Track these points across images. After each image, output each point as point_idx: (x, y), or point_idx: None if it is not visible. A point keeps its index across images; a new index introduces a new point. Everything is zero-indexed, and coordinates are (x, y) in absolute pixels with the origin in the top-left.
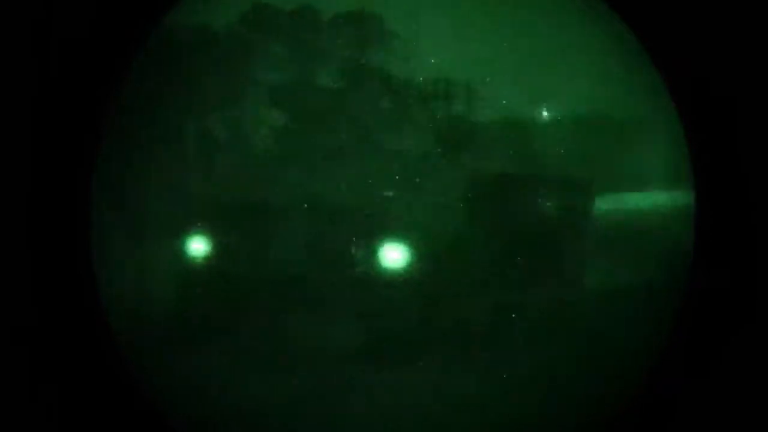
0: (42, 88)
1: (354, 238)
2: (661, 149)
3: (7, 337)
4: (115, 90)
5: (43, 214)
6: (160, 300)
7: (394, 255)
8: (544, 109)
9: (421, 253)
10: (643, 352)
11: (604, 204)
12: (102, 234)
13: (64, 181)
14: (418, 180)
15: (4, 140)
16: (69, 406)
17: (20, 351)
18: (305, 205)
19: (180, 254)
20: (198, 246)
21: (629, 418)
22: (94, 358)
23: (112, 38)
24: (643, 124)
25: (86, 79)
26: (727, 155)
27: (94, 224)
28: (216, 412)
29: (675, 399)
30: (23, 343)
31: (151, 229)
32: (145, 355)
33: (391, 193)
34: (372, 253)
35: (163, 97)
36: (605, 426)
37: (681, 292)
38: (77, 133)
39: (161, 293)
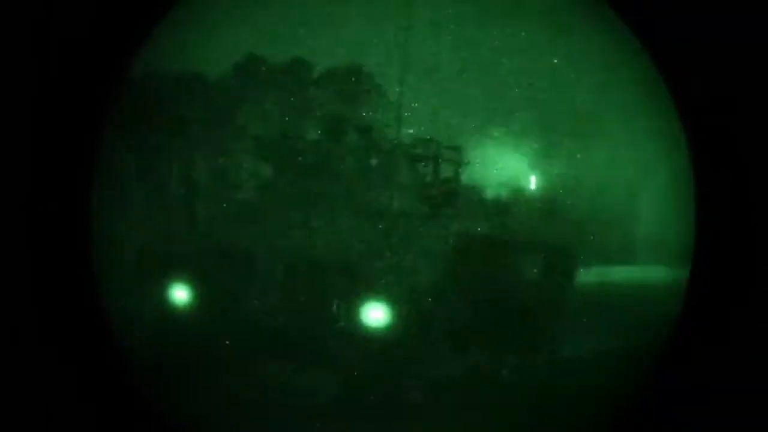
0: (42, 89)
1: (333, 294)
2: (658, 225)
3: (7, 337)
4: (116, 90)
5: (42, 214)
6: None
7: (372, 313)
8: (535, 176)
9: (400, 313)
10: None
11: (589, 275)
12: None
13: (63, 182)
14: (400, 240)
15: (4, 140)
16: (68, 405)
17: (20, 350)
18: (285, 258)
19: (160, 295)
20: (177, 293)
21: None
22: (93, 360)
23: (112, 38)
24: (642, 200)
25: (87, 78)
26: (730, 164)
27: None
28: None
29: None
30: (23, 343)
31: (136, 263)
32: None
33: (372, 252)
34: (350, 309)
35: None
36: None
37: (661, 356)
38: (77, 134)
39: (143, 336)
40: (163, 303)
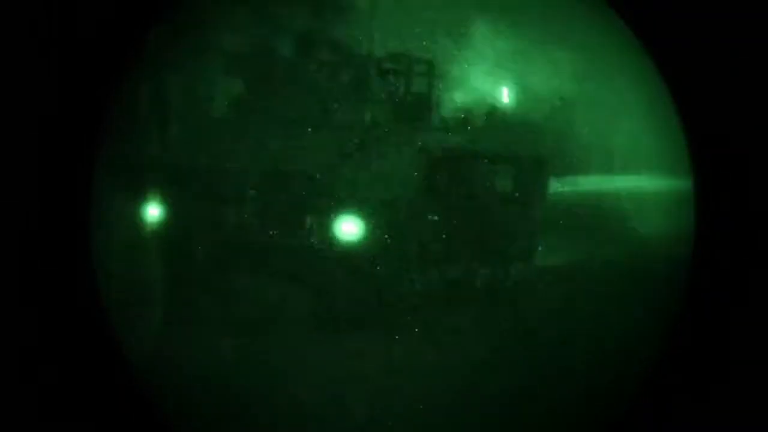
0: (41, 88)
1: (307, 208)
2: (625, 130)
3: (6, 335)
4: (116, 87)
5: (43, 208)
6: (119, 265)
7: (346, 225)
8: (506, 86)
9: (374, 225)
10: (599, 336)
11: (559, 184)
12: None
13: (63, 180)
14: (373, 152)
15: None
16: (67, 400)
17: (19, 347)
18: (257, 174)
19: (137, 219)
20: (153, 211)
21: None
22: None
23: (113, 37)
24: (611, 105)
25: (87, 77)
26: (728, 152)
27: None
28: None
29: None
30: (22, 340)
31: (117, 191)
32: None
33: (346, 166)
34: (325, 223)
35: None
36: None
37: (638, 272)
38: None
39: (120, 259)
40: (138, 221)
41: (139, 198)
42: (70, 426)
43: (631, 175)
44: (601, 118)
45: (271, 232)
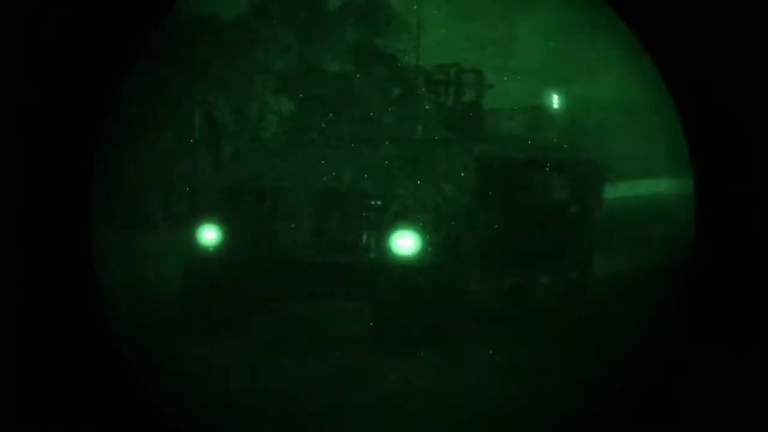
0: (41, 88)
1: (364, 224)
2: (667, 136)
3: (6, 334)
4: (117, 86)
5: (43, 209)
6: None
7: (403, 240)
8: (556, 95)
9: (431, 239)
10: (647, 335)
11: (615, 190)
12: (101, 227)
13: (63, 179)
14: (426, 166)
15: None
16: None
17: (18, 343)
18: (312, 192)
19: (188, 242)
20: (206, 233)
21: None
22: (93, 350)
23: (112, 37)
24: (651, 112)
25: (86, 77)
26: (730, 151)
27: (93, 218)
28: (218, 398)
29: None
30: (21, 336)
31: (155, 217)
32: (147, 345)
33: (400, 178)
34: (382, 238)
35: (169, 86)
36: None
37: (684, 274)
38: (77, 125)
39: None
40: (192, 243)
41: (191, 220)
42: (70, 426)
43: (676, 178)
44: (647, 124)
45: (325, 251)
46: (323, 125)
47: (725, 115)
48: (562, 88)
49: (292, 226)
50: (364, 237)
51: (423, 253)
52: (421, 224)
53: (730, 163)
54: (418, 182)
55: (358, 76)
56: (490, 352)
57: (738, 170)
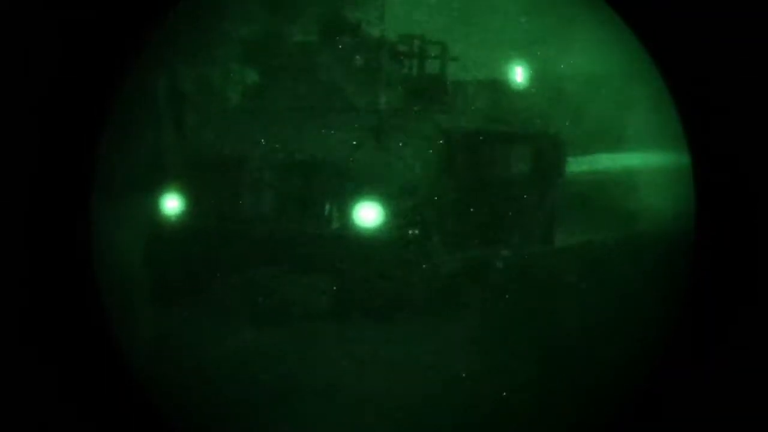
0: (39, 86)
1: (327, 194)
2: (640, 109)
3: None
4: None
5: (41, 201)
6: (135, 259)
7: (366, 211)
8: (521, 67)
9: (393, 209)
10: (609, 308)
11: (577, 164)
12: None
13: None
14: (390, 137)
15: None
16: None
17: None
18: (276, 161)
19: (152, 212)
20: (170, 203)
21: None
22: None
23: (113, 37)
24: (623, 84)
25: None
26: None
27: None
28: (189, 370)
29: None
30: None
31: (127, 186)
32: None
33: (364, 151)
34: (344, 209)
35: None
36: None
37: (658, 253)
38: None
39: (135, 252)
40: (153, 214)
41: (148, 190)
42: (70, 427)
43: (637, 152)
44: (610, 95)
45: (288, 221)
46: (286, 95)
47: (725, 111)
48: (530, 62)
49: (254, 196)
50: (327, 207)
51: (385, 224)
52: (383, 195)
53: (731, 163)
54: (381, 153)
55: (322, 46)
56: (451, 324)
57: (738, 167)
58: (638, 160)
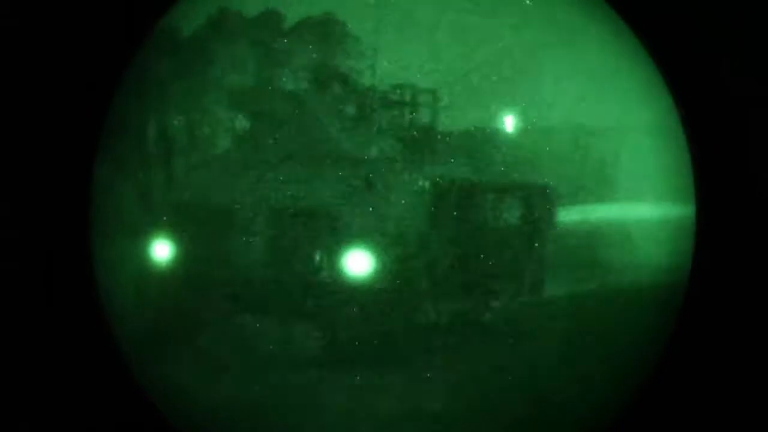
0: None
1: (316, 243)
2: (632, 160)
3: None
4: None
5: (42, 211)
6: (125, 303)
7: (355, 260)
8: (512, 117)
9: (383, 259)
10: (606, 365)
11: (568, 214)
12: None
13: (62, 181)
14: (380, 186)
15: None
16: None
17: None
18: (265, 210)
19: (140, 257)
20: (157, 249)
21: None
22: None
23: (112, 38)
24: (619, 134)
25: (86, 78)
26: (731, 153)
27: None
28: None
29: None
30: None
31: (118, 229)
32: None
33: (353, 199)
34: (334, 258)
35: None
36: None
37: (644, 303)
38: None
39: (125, 296)
40: (143, 259)
41: (141, 235)
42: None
43: (636, 202)
44: (607, 144)
45: (278, 270)
46: (276, 143)
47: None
48: (521, 111)
49: (243, 243)
50: (317, 256)
51: (375, 274)
52: (373, 244)
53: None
54: (371, 202)
55: (312, 94)
56: (438, 373)
57: (742, 172)
58: (633, 211)
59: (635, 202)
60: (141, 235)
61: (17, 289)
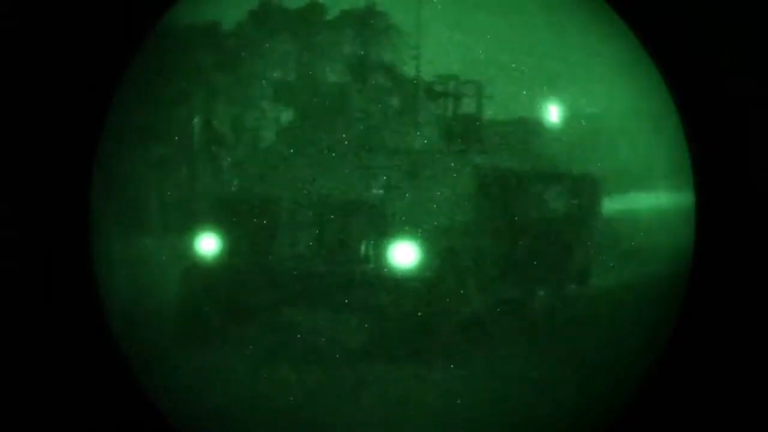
0: (39, 88)
1: (362, 235)
2: (668, 147)
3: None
4: (115, 90)
5: (42, 211)
6: (162, 299)
7: (402, 252)
8: (555, 106)
9: (429, 250)
10: (645, 349)
11: (611, 202)
12: (101, 233)
13: (62, 181)
14: (425, 177)
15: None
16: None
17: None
18: (310, 202)
19: (185, 252)
20: (203, 243)
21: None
22: (94, 358)
23: (112, 38)
24: (651, 122)
25: (86, 78)
26: (731, 153)
27: (93, 223)
28: (219, 411)
29: (676, 399)
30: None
31: (155, 226)
32: (147, 355)
33: (398, 190)
34: (380, 249)
35: (166, 95)
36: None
37: (683, 288)
38: (76, 131)
39: (164, 292)
40: (189, 252)
41: (180, 230)
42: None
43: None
44: (641, 133)
45: (324, 261)
46: (321, 135)
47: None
48: (565, 100)
49: (289, 236)
50: (362, 248)
51: (421, 265)
52: (419, 235)
53: (733, 165)
54: (417, 193)
55: (356, 86)
56: (487, 365)
57: (740, 172)
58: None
59: (670, 189)
60: (152, 233)
61: (17, 289)
